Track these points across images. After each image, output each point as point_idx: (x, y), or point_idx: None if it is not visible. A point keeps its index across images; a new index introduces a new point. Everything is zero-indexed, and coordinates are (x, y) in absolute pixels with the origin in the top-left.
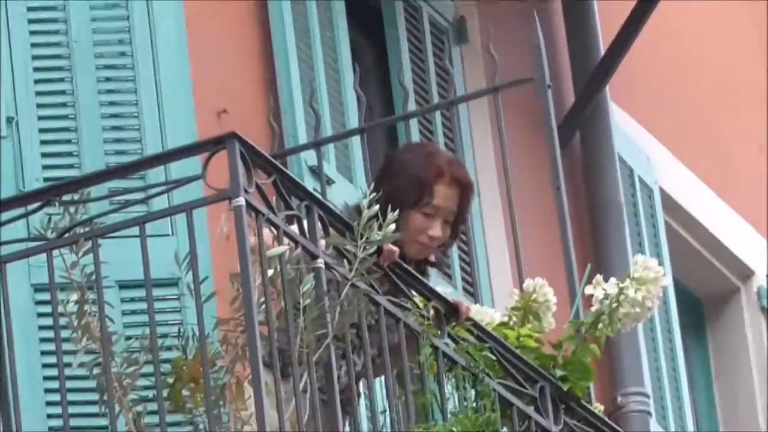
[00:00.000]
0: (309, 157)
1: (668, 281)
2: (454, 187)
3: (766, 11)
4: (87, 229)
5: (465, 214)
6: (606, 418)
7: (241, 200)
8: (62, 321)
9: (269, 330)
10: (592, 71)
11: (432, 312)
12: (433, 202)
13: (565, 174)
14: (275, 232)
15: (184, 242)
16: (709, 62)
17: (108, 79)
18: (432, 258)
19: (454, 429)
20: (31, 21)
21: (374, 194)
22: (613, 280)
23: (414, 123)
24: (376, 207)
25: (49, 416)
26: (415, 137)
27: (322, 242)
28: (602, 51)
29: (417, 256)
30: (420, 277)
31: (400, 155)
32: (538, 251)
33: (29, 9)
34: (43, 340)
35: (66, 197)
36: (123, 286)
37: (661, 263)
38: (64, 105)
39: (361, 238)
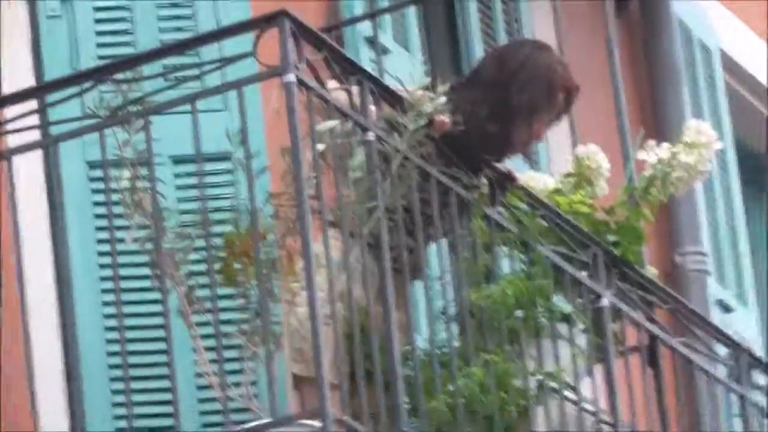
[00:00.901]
0: (365, 28)
1: (721, 145)
2: (566, 93)
3: None
4: (139, 107)
5: (563, 116)
6: (659, 282)
7: (291, 76)
8: (115, 198)
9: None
10: None
11: (485, 181)
12: (555, 109)
13: (625, 38)
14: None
15: (236, 118)
16: None
17: None
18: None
19: (507, 291)
20: None
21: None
22: (665, 144)
23: None
24: (427, 79)
25: (103, 291)
26: (473, 10)
27: (374, 113)
28: None
29: (520, 152)
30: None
31: (532, 61)
32: (596, 117)
33: None
34: (97, 216)
35: (119, 76)
36: (176, 161)
37: (720, 125)
38: None
39: (413, 110)
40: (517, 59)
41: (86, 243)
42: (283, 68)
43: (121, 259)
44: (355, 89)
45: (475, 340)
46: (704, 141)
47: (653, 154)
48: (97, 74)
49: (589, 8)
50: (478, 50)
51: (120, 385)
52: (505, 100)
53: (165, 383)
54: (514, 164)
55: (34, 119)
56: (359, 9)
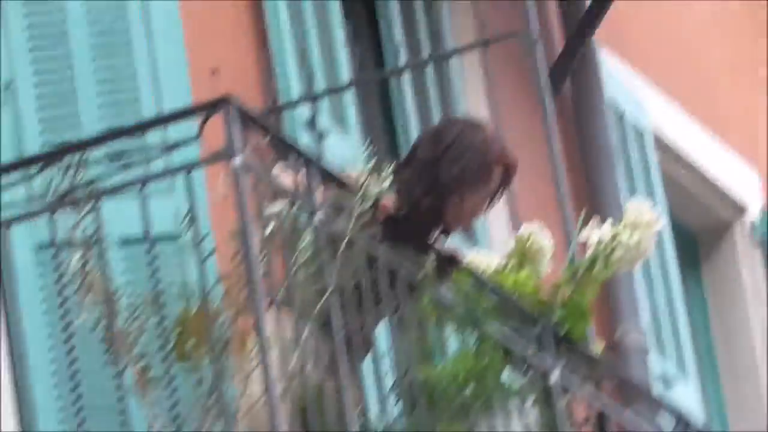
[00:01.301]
0: (303, 110)
1: (662, 224)
2: (504, 169)
3: None
4: (88, 191)
5: (503, 192)
6: (603, 359)
7: (238, 160)
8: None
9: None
10: (581, 17)
11: (430, 264)
12: (491, 185)
13: (558, 121)
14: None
15: (182, 200)
16: (697, 2)
17: (103, 44)
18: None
19: (458, 367)
20: None
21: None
22: (608, 223)
23: (406, 76)
24: (370, 162)
25: (54, 373)
26: (407, 90)
27: (320, 197)
28: None
29: (461, 230)
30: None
31: (463, 137)
32: (535, 197)
33: None
34: (44, 299)
35: (66, 160)
36: (124, 242)
37: (655, 204)
38: (59, 70)
39: (358, 194)
40: (450, 135)
41: (36, 327)
42: (229, 153)
43: (75, 341)
44: (300, 173)
45: (426, 417)
46: (646, 221)
47: (595, 234)
48: (47, 159)
49: (522, 91)
50: (413, 128)
51: None
52: (437, 177)
53: None
54: (456, 243)
55: None
56: (296, 92)
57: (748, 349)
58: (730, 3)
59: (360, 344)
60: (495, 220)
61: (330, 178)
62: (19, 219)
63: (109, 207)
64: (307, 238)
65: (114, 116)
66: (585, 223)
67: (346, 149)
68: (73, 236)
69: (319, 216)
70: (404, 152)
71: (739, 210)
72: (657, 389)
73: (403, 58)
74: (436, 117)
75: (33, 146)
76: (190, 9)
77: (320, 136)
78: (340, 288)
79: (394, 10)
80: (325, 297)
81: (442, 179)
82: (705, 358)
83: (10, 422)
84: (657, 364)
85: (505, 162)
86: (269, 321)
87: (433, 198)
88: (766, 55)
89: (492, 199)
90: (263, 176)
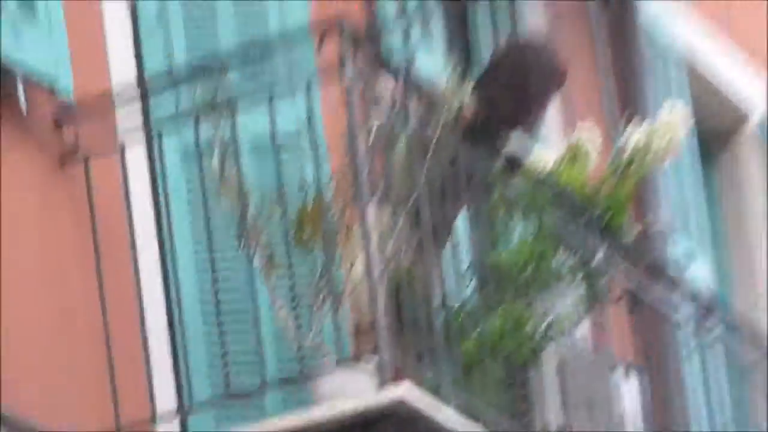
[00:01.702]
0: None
1: (689, 126)
2: (558, 76)
3: None
4: (225, 101)
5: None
6: (638, 243)
7: (348, 72)
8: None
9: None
10: None
11: (500, 164)
12: (549, 93)
13: (605, 35)
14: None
15: (301, 109)
16: None
17: None
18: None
19: (521, 251)
20: None
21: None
22: (644, 126)
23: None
24: (454, 76)
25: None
26: (481, 14)
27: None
28: None
29: (528, 130)
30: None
31: (528, 55)
32: (585, 100)
33: None
34: (190, 197)
35: (207, 74)
36: (254, 147)
37: (683, 107)
38: None
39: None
40: (522, 55)
41: (182, 222)
42: (343, 67)
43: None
44: (397, 85)
45: (495, 294)
46: (675, 124)
47: (634, 136)
48: (192, 73)
49: (576, 11)
50: (486, 48)
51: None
52: (512, 87)
53: (249, 338)
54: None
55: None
56: (391, 15)
57: (756, 239)
58: None
59: (443, 232)
60: (552, 120)
61: (420, 90)
62: (169, 127)
63: (241, 117)
64: (401, 142)
65: (246, 35)
66: (626, 124)
67: (432, 65)
68: (214, 141)
69: (411, 123)
70: (479, 68)
71: (745, 114)
72: (678, 267)
73: None
74: (504, 36)
75: (180, 63)
76: None
77: (412, 54)
78: (428, 185)
79: None
80: (416, 193)
81: (514, 89)
82: (717, 240)
83: (158, 292)
84: (679, 244)
85: (561, 70)
86: (371, 213)
87: (508, 104)
88: None
89: (550, 101)
90: (369, 88)
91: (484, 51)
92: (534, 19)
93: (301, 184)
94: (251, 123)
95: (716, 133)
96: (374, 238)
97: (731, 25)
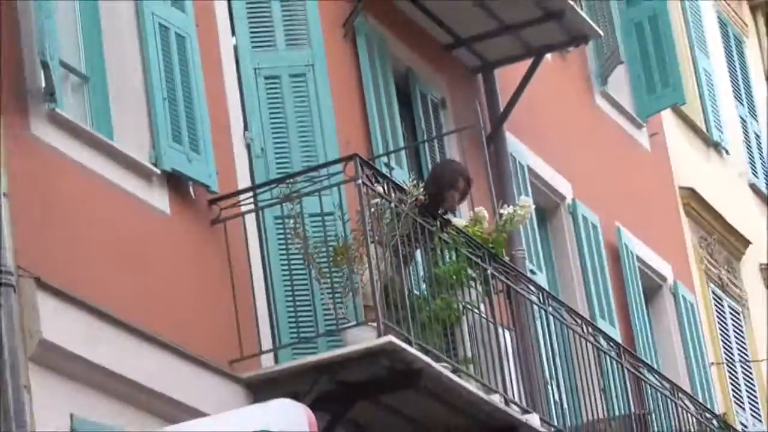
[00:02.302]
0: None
1: (533, 208)
2: (465, 181)
3: None
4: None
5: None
6: (513, 265)
7: (359, 181)
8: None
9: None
10: (499, 115)
11: (438, 224)
12: (460, 188)
13: (489, 162)
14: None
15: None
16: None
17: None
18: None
19: (451, 268)
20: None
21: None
22: (511, 206)
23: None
24: (413, 182)
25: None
26: (427, 150)
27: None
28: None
29: (450, 209)
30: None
31: (448, 167)
32: (479, 195)
33: None
34: (280, 243)
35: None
36: (312, 215)
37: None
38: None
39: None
40: (442, 166)
41: (275, 258)
42: (356, 179)
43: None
44: (386, 186)
45: (436, 289)
46: (527, 206)
47: (505, 210)
48: (277, 181)
49: (474, 149)
50: (429, 165)
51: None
52: (439, 185)
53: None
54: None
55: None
56: (381, 149)
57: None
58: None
59: (408, 260)
60: (463, 205)
61: (398, 188)
62: (266, 207)
63: (305, 201)
64: (387, 214)
65: (309, 157)
66: (500, 206)
67: (402, 175)
68: (290, 213)
69: (394, 204)
70: (426, 176)
71: (562, 198)
72: (530, 275)
73: (424, 135)
74: (438, 159)
75: (272, 173)
76: (340, 105)
77: (391, 170)
78: (401, 235)
79: (421, 112)
80: (394, 239)
81: (440, 186)
82: (548, 262)
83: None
84: (529, 264)
85: (466, 177)
86: (372, 250)
87: (438, 195)
88: None
89: (463, 196)
90: (370, 189)
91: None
92: (452, 152)
93: (337, 235)
94: (309, 206)
95: (547, 209)
96: (374, 263)
97: (549, 150)
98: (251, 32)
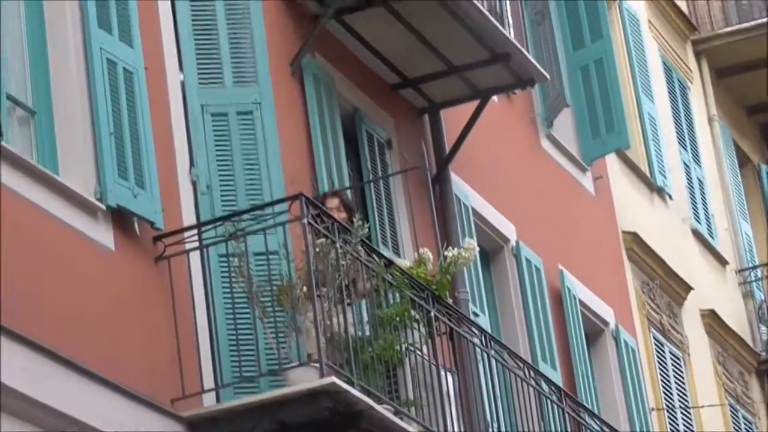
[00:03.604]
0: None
1: (476, 250)
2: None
3: None
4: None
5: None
6: (456, 307)
7: (304, 221)
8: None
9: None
10: (445, 156)
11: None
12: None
13: (435, 205)
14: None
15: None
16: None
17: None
18: None
19: (394, 310)
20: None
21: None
22: (455, 248)
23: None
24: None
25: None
26: (372, 190)
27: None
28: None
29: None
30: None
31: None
32: (425, 237)
33: None
34: (223, 280)
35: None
36: (257, 254)
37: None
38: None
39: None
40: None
41: (218, 290)
42: (302, 221)
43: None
44: (330, 223)
45: (380, 329)
46: (471, 247)
47: (449, 252)
48: (222, 219)
49: (419, 190)
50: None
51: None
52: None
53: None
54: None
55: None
56: (326, 187)
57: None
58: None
59: (354, 298)
60: (408, 246)
61: (343, 228)
62: (210, 245)
63: (250, 240)
64: (332, 254)
65: (254, 196)
66: (445, 248)
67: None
68: (235, 251)
69: (337, 245)
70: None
71: (506, 240)
72: (473, 317)
73: (370, 174)
74: (383, 199)
75: (217, 211)
76: (286, 142)
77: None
78: (346, 274)
79: (367, 151)
80: (339, 279)
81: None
82: (491, 305)
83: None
84: (473, 307)
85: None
86: (313, 289)
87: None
88: None
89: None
90: (315, 229)
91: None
92: (398, 193)
93: (281, 275)
94: (253, 244)
95: (491, 251)
96: (317, 302)
97: (494, 192)
98: (199, 68)
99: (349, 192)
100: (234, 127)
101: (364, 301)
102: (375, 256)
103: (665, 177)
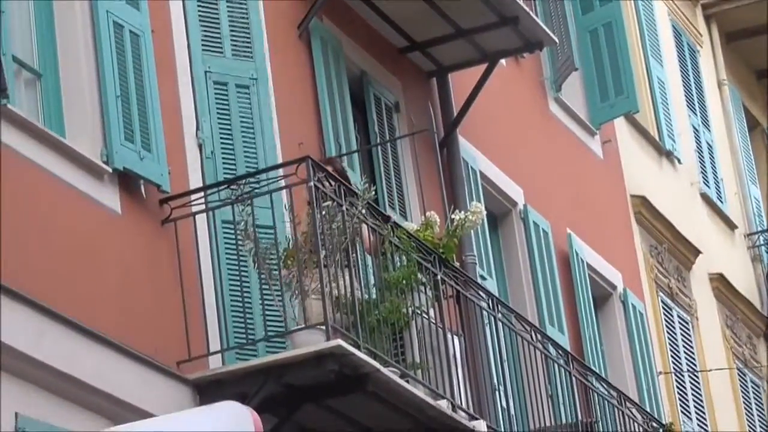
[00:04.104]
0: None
1: (484, 214)
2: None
3: None
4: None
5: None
6: (463, 271)
7: (311, 184)
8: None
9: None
10: (453, 118)
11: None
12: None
13: (443, 167)
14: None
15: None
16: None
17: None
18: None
19: (401, 272)
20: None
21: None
22: (463, 212)
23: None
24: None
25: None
26: (380, 153)
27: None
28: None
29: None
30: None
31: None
32: (433, 199)
33: None
34: (226, 246)
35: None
36: (260, 226)
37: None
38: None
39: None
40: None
41: (224, 252)
42: (308, 183)
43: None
44: (337, 187)
45: (387, 292)
46: (478, 211)
47: (456, 216)
48: (227, 183)
49: (428, 153)
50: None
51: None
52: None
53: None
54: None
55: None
56: (334, 151)
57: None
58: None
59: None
60: (415, 209)
61: (350, 191)
62: (216, 207)
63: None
64: (338, 216)
65: (252, 166)
66: (452, 211)
67: (355, 178)
68: (242, 215)
69: (344, 208)
70: (378, 179)
71: (514, 203)
72: (480, 280)
73: (378, 138)
74: (391, 162)
75: (220, 176)
76: (293, 106)
77: (345, 171)
78: (351, 238)
79: (374, 115)
80: (346, 242)
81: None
82: (498, 268)
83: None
84: (479, 270)
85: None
86: (321, 252)
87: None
88: None
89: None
90: (323, 190)
91: (380, 171)
92: (405, 156)
93: (287, 238)
94: (258, 209)
95: (498, 214)
96: (322, 266)
97: (502, 156)
98: (202, 36)
99: (356, 156)
100: (233, 97)
101: (370, 261)
102: (380, 219)
103: (674, 141)
